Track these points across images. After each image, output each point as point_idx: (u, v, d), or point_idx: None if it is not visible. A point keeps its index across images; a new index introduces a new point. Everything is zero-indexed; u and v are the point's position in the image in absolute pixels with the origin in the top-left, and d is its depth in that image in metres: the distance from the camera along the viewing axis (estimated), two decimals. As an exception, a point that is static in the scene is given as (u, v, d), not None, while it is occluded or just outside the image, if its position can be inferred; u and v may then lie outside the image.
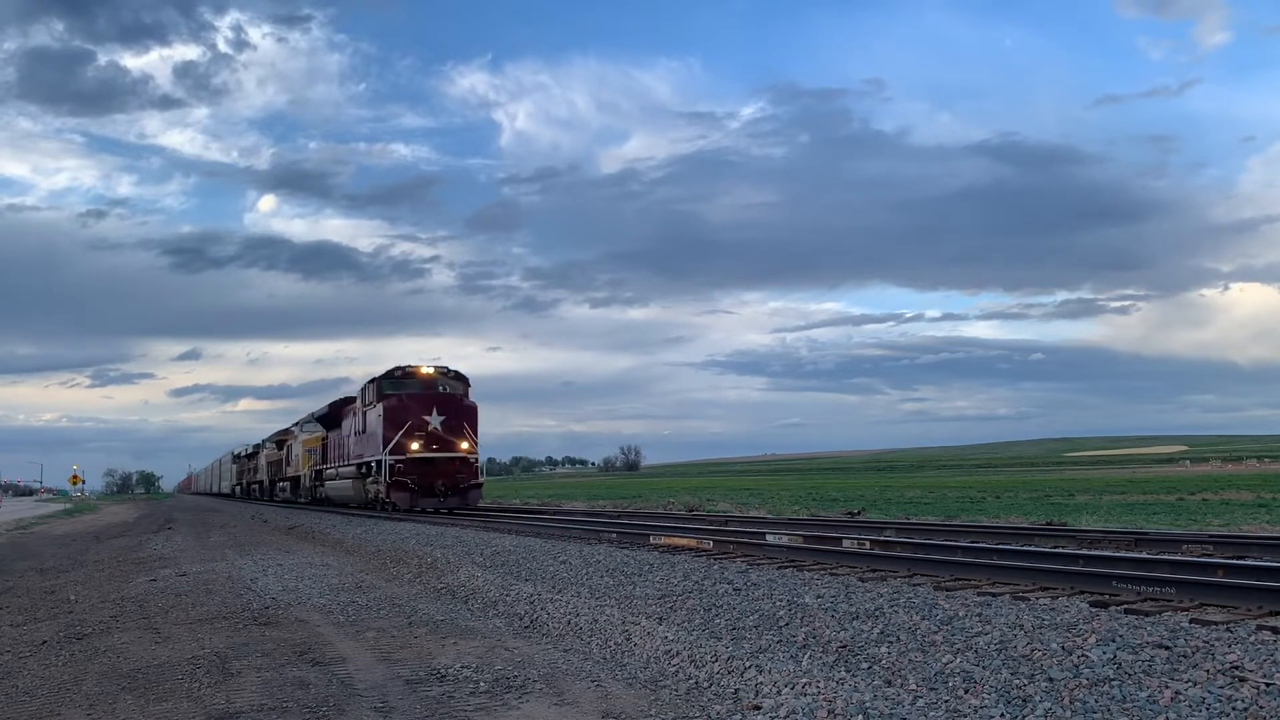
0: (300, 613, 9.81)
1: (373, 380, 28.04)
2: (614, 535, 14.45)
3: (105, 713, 6.19)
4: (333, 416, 34.85)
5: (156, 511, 48.68)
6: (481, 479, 26.88)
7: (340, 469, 32.14)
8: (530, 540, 15.05)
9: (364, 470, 28.30)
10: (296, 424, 43.57)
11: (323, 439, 36.57)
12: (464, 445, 25.84)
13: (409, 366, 27.38)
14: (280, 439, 49.11)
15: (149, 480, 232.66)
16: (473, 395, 27.69)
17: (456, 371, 27.79)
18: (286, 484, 45.64)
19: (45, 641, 8.91)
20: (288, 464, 45.33)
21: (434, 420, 25.64)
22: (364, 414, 28.27)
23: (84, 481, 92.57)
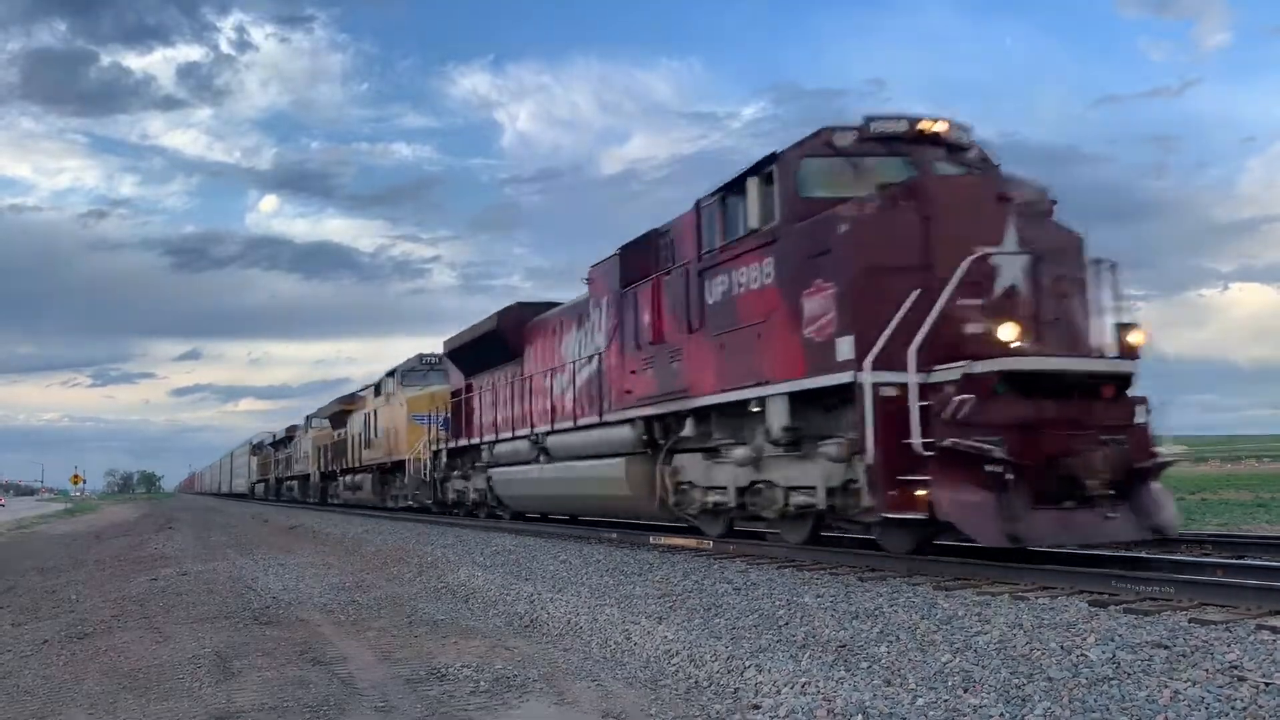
0: (301, 612, 9.82)
1: (770, 158, 9.79)
2: (614, 535, 14.46)
3: (106, 712, 6.20)
4: (485, 346, 18.52)
5: (158, 511, 48.64)
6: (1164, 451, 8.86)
7: (558, 437, 15.04)
8: (530, 540, 15.07)
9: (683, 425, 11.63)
10: (389, 375, 28.83)
11: (453, 396, 21.01)
12: (1129, 339, 9.06)
13: (884, 117, 9.55)
14: (341, 410, 34.71)
15: (150, 480, 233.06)
16: None
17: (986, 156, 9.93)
18: (362, 477, 30.39)
19: (46, 640, 8.92)
20: (366, 445, 29.84)
21: (1018, 269, 8.62)
22: (712, 274, 10.74)
23: (85, 481, 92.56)
